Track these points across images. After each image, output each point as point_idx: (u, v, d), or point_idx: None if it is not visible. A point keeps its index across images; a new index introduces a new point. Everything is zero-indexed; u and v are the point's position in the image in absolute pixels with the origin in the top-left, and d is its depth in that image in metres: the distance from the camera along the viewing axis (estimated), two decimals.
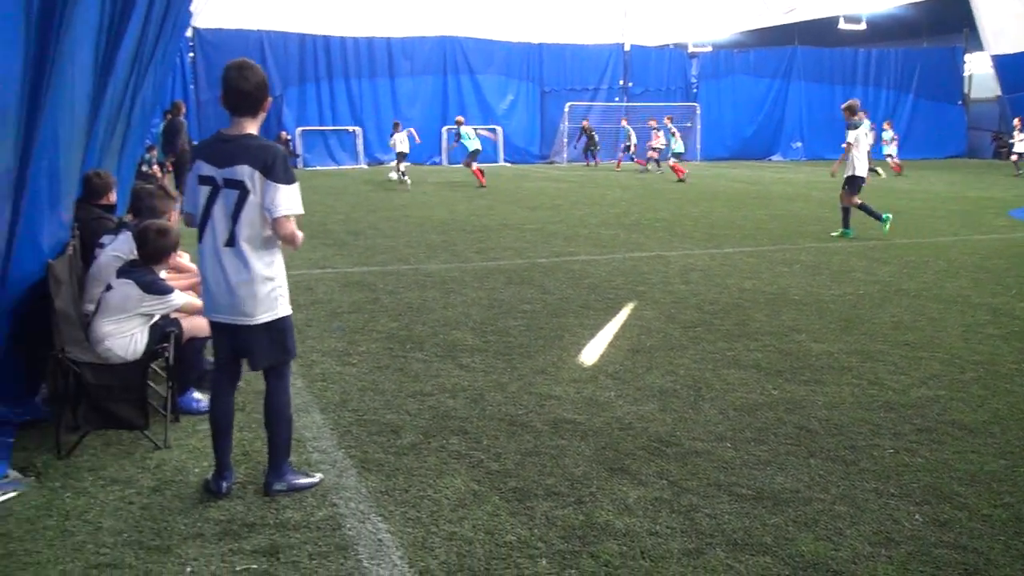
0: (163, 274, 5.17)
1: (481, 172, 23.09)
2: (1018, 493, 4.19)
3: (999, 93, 36.42)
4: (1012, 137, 29.53)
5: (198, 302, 5.21)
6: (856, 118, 13.44)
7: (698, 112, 38.25)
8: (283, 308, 4.09)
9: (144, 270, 4.95)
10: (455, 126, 24.30)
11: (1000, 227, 14.62)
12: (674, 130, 28.04)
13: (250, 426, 5.03)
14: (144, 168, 18.30)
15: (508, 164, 35.36)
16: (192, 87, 31.69)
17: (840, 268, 10.38)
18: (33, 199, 4.67)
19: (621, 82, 38.85)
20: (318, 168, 32.24)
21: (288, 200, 3.89)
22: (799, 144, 39.59)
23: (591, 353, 6.71)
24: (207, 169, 3.95)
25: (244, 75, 3.92)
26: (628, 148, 32.39)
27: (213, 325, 4.16)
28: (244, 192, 3.87)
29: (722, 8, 43.26)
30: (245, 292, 3.95)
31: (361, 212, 16.84)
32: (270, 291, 4.01)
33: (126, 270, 4.97)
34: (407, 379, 6.02)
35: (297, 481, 4.24)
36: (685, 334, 7.23)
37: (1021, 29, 29.49)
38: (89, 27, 5.52)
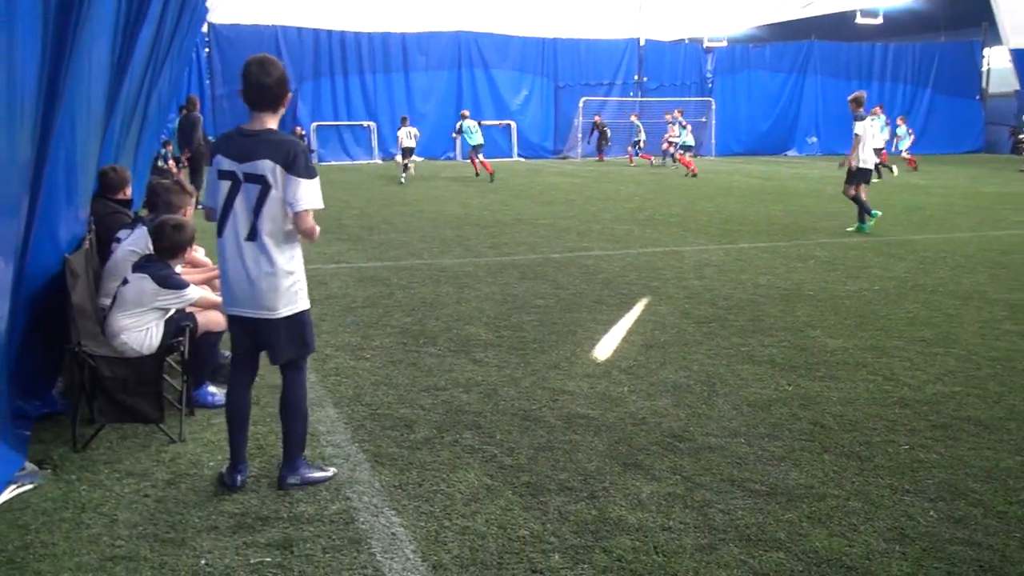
0: (179, 268, 5.20)
1: (487, 164, 23.42)
2: None
3: (1017, 88, 36.18)
4: None
5: (213, 296, 5.25)
6: (862, 110, 13.39)
7: (713, 107, 38.05)
8: (303, 302, 4.11)
9: (160, 264, 4.98)
10: (460, 120, 24.59)
11: (1017, 223, 14.50)
12: (684, 123, 27.91)
13: (264, 420, 5.05)
14: (160, 163, 18.39)
15: (522, 159, 35.34)
16: (207, 82, 31.80)
17: (855, 264, 10.33)
18: (50, 194, 4.70)
19: (636, 77, 38.68)
20: (332, 163, 32.28)
21: (309, 194, 3.91)
22: (815, 139, 39.34)
23: (604, 348, 6.70)
24: (227, 164, 3.96)
25: (266, 70, 3.93)
26: (638, 143, 32.26)
27: (232, 319, 4.17)
28: (266, 187, 3.89)
29: (738, 2, 43.02)
30: (267, 285, 3.97)
31: (375, 207, 16.86)
32: (291, 285, 4.03)
33: (142, 264, 5.00)
34: (420, 374, 6.03)
35: (311, 475, 4.25)
36: (699, 329, 7.21)
37: None
38: (106, 23, 5.55)
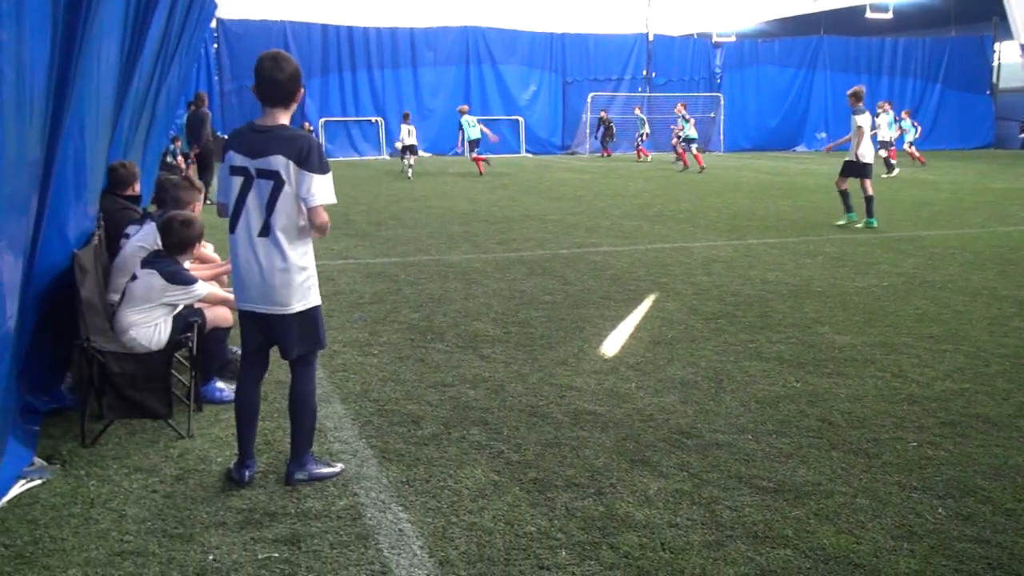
0: (187, 264, 5.21)
1: (480, 161, 23.77)
2: None
3: None
4: None
5: (222, 292, 5.26)
6: (862, 104, 13.36)
7: (722, 102, 37.96)
8: (315, 298, 4.12)
9: (168, 260, 5.00)
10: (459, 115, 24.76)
11: None
12: (687, 116, 27.78)
13: (272, 416, 5.07)
14: (169, 159, 18.45)
15: (530, 155, 35.32)
16: (216, 78, 31.87)
17: (864, 260, 10.29)
18: (59, 190, 4.72)
19: (644, 72, 38.62)
20: (341, 159, 32.30)
21: (323, 189, 3.92)
22: (824, 135, 39.14)
23: (612, 344, 6.70)
24: (239, 160, 3.97)
25: (278, 65, 3.93)
26: (641, 136, 32.11)
27: (244, 315, 4.17)
28: (279, 182, 3.89)
29: None
30: (280, 281, 3.98)
31: (383, 203, 16.88)
32: (304, 280, 4.04)
33: (150, 260, 5.02)
34: (428, 370, 6.04)
35: (318, 470, 4.26)
36: (707, 326, 7.20)
37: None
38: (115, 18, 5.57)
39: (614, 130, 34.69)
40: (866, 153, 13.18)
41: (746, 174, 24.39)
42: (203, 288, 5.05)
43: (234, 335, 5.46)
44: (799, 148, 38.66)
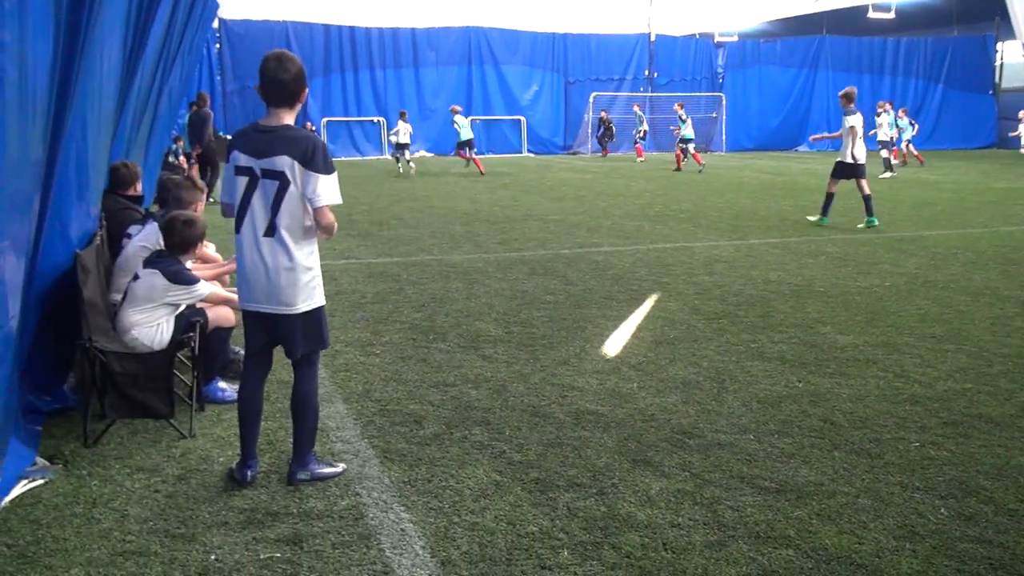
0: (189, 264, 5.21)
1: (466, 160, 24.20)
2: None
3: None
4: None
5: (224, 292, 5.27)
6: (853, 106, 13.37)
7: (724, 102, 37.95)
8: (319, 297, 4.13)
9: (170, 260, 5.00)
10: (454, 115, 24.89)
11: None
12: (684, 116, 27.73)
13: (274, 415, 5.07)
14: (171, 159, 18.47)
15: (532, 155, 35.33)
16: (218, 78, 31.90)
17: (866, 260, 10.29)
18: (61, 190, 4.73)
19: (646, 72, 38.62)
20: (343, 159, 32.33)
21: (328, 189, 3.93)
22: (826, 135, 39.12)
23: (614, 344, 6.70)
24: (244, 160, 3.97)
25: (283, 66, 3.94)
26: (640, 134, 32.04)
27: (248, 315, 4.16)
28: (284, 183, 3.90)
29: None
30: (286, 281, 3.98)
31: (385, 202, 16.88)
32: (309, 280, 4.05)
33: (153, 260, 5.02)
34: (430, 369, 6.04)
35: (321, 470, 4.26)
36: (709, 326, 7.20)
37: None
38: (118, 18, 5.57)
39: (614, 130, 34.66)
40: (859, 154, 13.17)
41: (748, 174, 24.38)
42: (205, 288, 5.05)
43: (237, 335, 5.47)
44: (801, 148, 38.61)
